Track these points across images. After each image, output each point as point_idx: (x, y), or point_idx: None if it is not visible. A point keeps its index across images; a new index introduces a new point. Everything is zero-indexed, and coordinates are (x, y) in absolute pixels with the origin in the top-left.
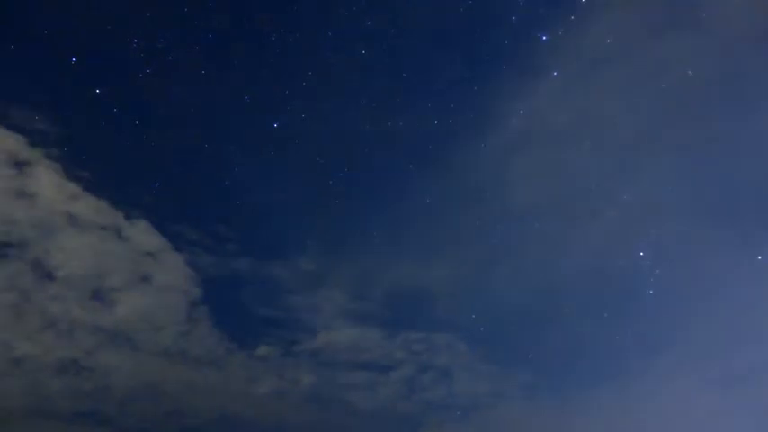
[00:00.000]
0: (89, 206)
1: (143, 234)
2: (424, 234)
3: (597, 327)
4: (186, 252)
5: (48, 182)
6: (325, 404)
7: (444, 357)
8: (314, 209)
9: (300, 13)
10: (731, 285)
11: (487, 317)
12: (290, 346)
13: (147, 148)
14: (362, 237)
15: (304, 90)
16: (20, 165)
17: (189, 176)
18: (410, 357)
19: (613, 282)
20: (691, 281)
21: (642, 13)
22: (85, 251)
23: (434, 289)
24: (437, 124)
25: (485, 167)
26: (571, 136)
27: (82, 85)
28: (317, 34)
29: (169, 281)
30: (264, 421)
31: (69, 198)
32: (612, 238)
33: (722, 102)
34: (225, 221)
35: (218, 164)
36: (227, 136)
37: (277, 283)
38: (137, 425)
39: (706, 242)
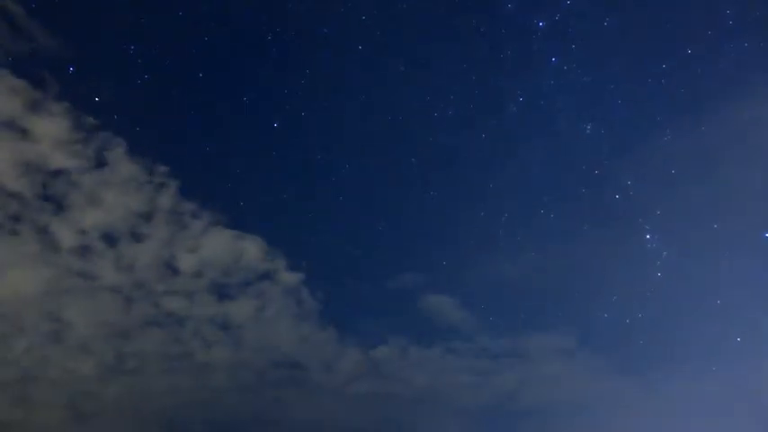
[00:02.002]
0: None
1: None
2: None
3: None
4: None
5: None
6: (433, 404)
7: (555, 358)
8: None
9: (294, 12)
10: None
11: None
12: (406, 347)
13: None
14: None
15: (302, 89)
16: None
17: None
18: (519, 357)
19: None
20: None
21: None
22: (207, 249)
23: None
24: (437, 116)
25: (485, 158)
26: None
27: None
28: (313, 32)
29: (289, 281)
30: (363, 420)
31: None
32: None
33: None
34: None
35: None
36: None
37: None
38: (230, 422)
39: None
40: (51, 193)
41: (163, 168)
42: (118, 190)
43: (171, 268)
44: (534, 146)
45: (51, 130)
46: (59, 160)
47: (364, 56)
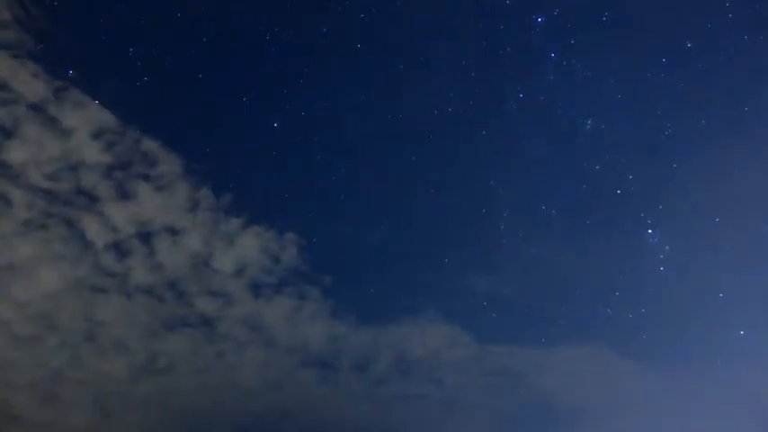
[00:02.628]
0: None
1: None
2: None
3: None
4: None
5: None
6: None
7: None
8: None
9: (292, 12)
10: None
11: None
12: (439, 349)
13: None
14: None
15: (301, 89)
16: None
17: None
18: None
19: None
20: None
21: None
22: (242, 249)
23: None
24: (437, 113)
25: (485, 155)
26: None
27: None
28: (312, 32)
29: (322, 281)
30: (394, 421)
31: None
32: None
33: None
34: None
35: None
36: None
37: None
38: (253, 422)
39: None
40: (83, 189)
41: (198, 166)
42: (152, 187)
43: (206, 267)
44: (535, 142)
45: (83, 124)
46: (92, 155)
47: (363, 55)
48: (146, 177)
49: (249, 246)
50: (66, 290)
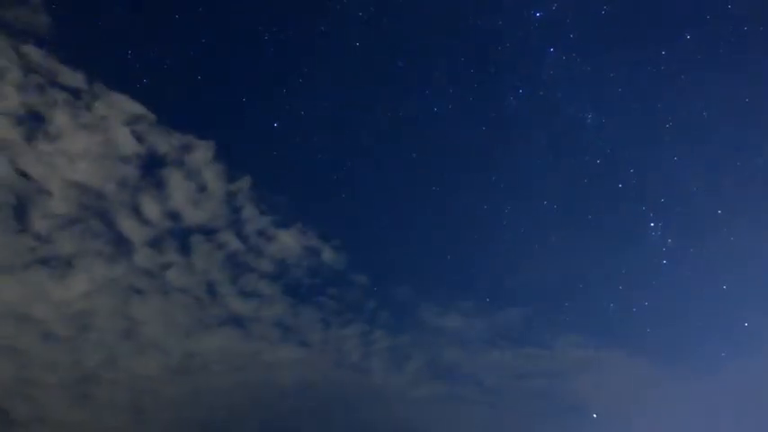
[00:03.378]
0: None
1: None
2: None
3: None
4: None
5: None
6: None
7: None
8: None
9: (291, 11)
10: None
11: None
12: (479, 350)
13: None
14: None
15: (300, 88)
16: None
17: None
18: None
19: None
20: None
21: None
22: (280, 250)
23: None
24: (437, 111)
25: (486, 152)
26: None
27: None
28: (310, 31)
29: (358, 281)
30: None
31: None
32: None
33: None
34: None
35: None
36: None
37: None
38: (287, 421)
39: None
40: (122, 188)
41: (237, 165)
42: (190, 186)
43: (243, 268)
44: (535, 137)
45: (117, 116)
46: (127, 149)
47: (362, 53)
48: (181, 173)
49: (286, 245)
50: (104, 289)
